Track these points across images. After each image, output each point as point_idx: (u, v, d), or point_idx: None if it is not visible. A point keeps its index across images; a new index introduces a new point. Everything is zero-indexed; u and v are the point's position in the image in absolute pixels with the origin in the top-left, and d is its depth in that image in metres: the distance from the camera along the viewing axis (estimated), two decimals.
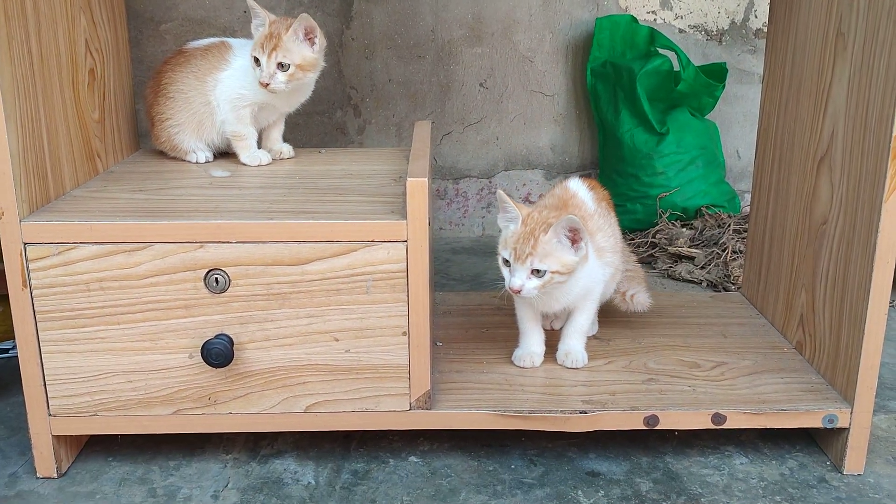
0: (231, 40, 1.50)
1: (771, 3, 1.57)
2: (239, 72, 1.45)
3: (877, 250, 1.17)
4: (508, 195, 1.29)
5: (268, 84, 1.40)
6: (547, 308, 1.36)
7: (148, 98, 1.53)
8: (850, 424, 1.25)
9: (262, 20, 1.42)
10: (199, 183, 1.38)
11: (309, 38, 1.42)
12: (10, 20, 1.12)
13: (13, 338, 1.69)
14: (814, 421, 1.26)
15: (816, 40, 1.37)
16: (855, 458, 1.27)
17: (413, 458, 1.32)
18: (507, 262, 1.27)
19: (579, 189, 1.40)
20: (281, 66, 1.40)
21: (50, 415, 1.22)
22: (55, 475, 1.25)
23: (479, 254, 2.31)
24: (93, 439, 1.35)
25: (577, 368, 1.38)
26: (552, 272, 1.24)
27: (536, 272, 1.24)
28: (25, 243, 1.15)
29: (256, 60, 1.41)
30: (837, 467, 1.29)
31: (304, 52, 1.42)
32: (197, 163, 1.50)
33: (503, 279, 1.29)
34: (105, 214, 1.19)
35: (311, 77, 1.46)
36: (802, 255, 1.42)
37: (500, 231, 1.32)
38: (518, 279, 1.25)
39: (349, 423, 1.25)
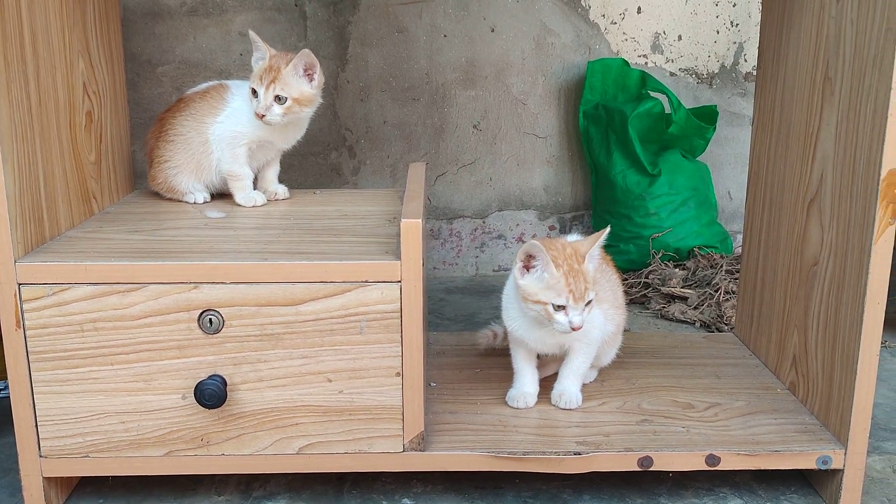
0: (229, 82, 1.52)
1: (759, 49, 1.60)
2: (237, 111, 1.47)
3: (867, 292, 1.18)
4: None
5: (263, 115, 1.41)
6: (542, 345, 1.35)
7: (149, 143, 1.55)
8: (844, 466, 1.25)
9: (262, 53, 1.44)
10: (193, 224, 1.39)
11: (308, 73, 1.44)
12: (9, 65, 1.14)
13: (3, 378, 1.68)
14: (808, 462, 1.26)
15: (805, 85, 1.39)
16: (850, 500, 1.26)
17: (406, 501, 1.31)
18: (559, 307, 1.25)
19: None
20: (278, 98, 1.41)
21: (41, 456, 1.21)
22: None
23: (473, 293, 2.32)
24: (84, 481, 1.34)
25: (570, 409, 1.37)
26: (594, 297, 1.27)
27: (588, 303, 1.26)
28: (20, 284, 1.15)
29: (254, 92, 1.42)
30: None
31: (303, 87, 1.43)
32: (194, 203, 1.51)
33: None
34: (100, 255, 1.20)
35: (308, 112, 1.47)
36: (794, 297, 1.43)
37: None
38: (579, 317, 1.24)
39: (342, 465, 1.24)
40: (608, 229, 1.29)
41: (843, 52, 1.25)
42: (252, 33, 1.44)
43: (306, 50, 1.41)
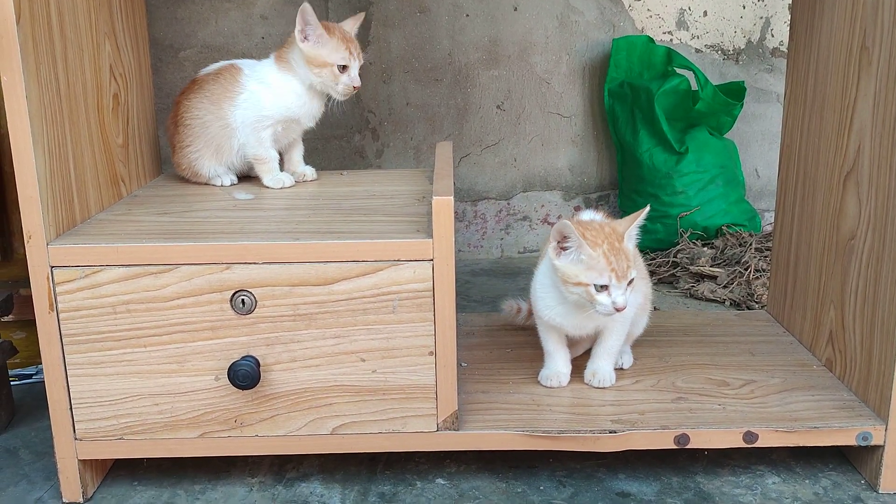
0: (239, 62, 1.50)
1: (791, 20, 1.57)
2: (256, 94, 1.45)
3: None
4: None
5: (358, 86, 1.45)
6: (580, 330, 1.33)
7: (169, 129, 1.54)
8: (884, 442, 1.23)
9: (314, 27, 1.42)
10: (223, 205, 1.38)
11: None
12: (37, 46, 1.13)
13: (36, 363, 1.69)
14: (847, 439, 1.24)
15: (840, 56, 1.36)
16: (891, 477, 1.24)
17: (440, 481, 1.30)
18: (601, 287, 1.21)
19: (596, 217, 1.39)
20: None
21: (76, 439, 1.22)
22: (81, 500, 1.24)
23: (499, 275, 2.31)
24: (118, 463, 1.35)
25: (604, 388, 1.36)
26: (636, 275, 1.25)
27: (629, 282, 1.23)
28: (52, 266, 1.15)
29: (342, 67, 1.43)
30: (872, 486, 1.26)
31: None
32: (222, 186, 1.50)
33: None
34: (131, 237, 1.19)
35: None
36: (830, 272, 1.40)
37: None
38: (623, 297, 1.22)
39: (376, 445, 1.24)
40: (647, 209, 1.26)
41: (882, 20, 1.23)
42: (306, 5, 1.42)
43: (362, 14, 1.50)
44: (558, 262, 1.24)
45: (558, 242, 1.23)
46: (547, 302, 1.32)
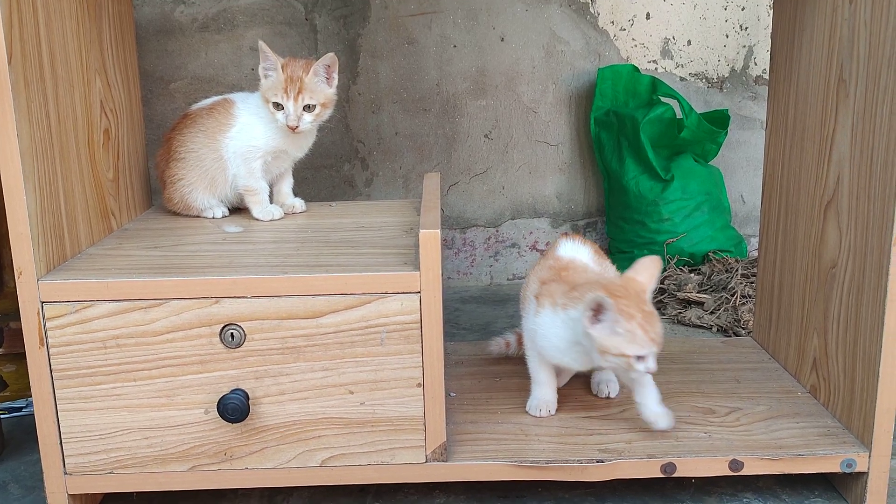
0: (232, 96, 1.53)
1: (771, 52, 1.60)
2: (247, 126, 1.48)
3: (888, 293, 1.18)
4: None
5: (296, 127, 1.43)
6: (588, 366, 1.32)
7: (160, 165, 1.55)
8: (868, 469, 1.25)
9: (272, 63, 1.44)
10: (212, 239, 1.39)
11: (328, 75, 1.46)
12: (29, 85, 1.15)
13: (26, 396, 1.69)
14: (832, 466, 1.25)
15: (818, 88, 1.39)
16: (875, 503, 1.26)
17: None
18: (640, 357, 1.22)
19: (576, 251, 1.41)
20: (307, 107, 1.43)
21: (66, 473, 1.22)
22: None
23: (488, 303, 2.32)
24: (108, 497, 1.35)
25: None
26: None
27: None
28: (43, 302, 1.16)
29: (277, 105, 1.43)
30: None
31: (326, 90, 1.46)
32: (213, 218, 1.52)
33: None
34: (121, 272, 1.20)
35: (328, 113, 1.49)
36: (813, 300, 1.42)
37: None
38: (655, 361, 1.22)
39: (365, 477, 1.25)
40: (659, 265, 1.29)
41: (857, 54, 1.25)
42: (261, 43, 1.45)
43: (331, 54, 1.44)
44: (593, 331, 1.20)
45: (594, 312, 1.20)
46: (558, 346, 1.30)
